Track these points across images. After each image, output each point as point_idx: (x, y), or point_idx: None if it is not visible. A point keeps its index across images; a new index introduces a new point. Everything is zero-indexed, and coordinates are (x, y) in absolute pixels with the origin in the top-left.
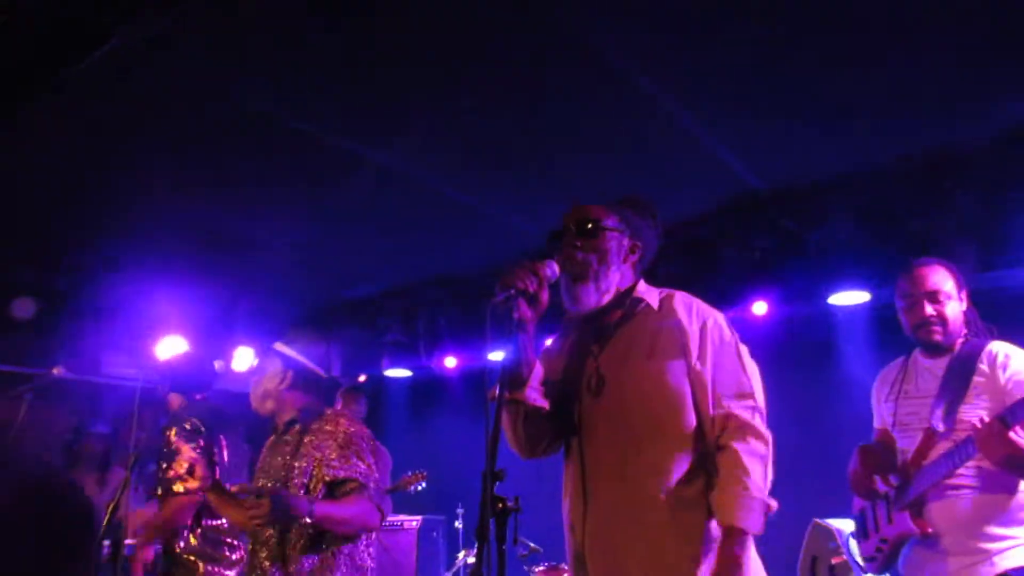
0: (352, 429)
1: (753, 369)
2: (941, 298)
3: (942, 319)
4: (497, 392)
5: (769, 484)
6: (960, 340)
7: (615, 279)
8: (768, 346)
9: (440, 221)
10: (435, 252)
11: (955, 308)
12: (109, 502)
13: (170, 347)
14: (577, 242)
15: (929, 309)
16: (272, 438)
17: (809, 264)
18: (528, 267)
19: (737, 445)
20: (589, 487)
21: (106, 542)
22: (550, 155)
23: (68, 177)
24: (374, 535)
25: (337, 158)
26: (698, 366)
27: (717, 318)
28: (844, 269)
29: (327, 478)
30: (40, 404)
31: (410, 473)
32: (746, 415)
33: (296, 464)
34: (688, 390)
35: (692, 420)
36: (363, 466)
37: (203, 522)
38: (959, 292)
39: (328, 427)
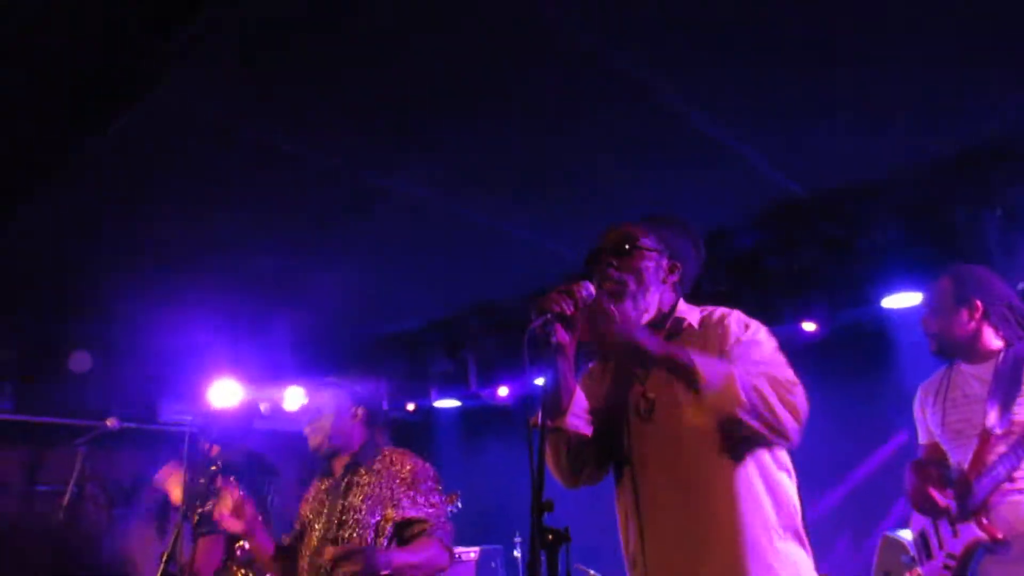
0: (417, 467)
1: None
2: (930, 313)
3: (932, 334)
4: (539, 420)
5: (772, 402)
6: (1000, 345)
7: (654, 300)
8: (821, 355)
9: (478, 249)
10: (476, 281)
11: (947, 322)
12: (163, 552)
13: (222, 391)
14: (613, 261)
15: (923, 324)
16: (325, 479)
17: (858, 269)
18: (563, 290)
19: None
20: (646, 515)
21: None
22: (584, 177)
23: (118, 228)
24: None
25: (373, 194)
26: (735, 348)
27: (758, 326)
28: (894, 271)
29: (396, 519)
30: (99, 455)
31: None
32: (783, 375)
33: (361, 505)
34: None
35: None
36: (431, 507)
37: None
38: (959, 306)
39: (394, 466)
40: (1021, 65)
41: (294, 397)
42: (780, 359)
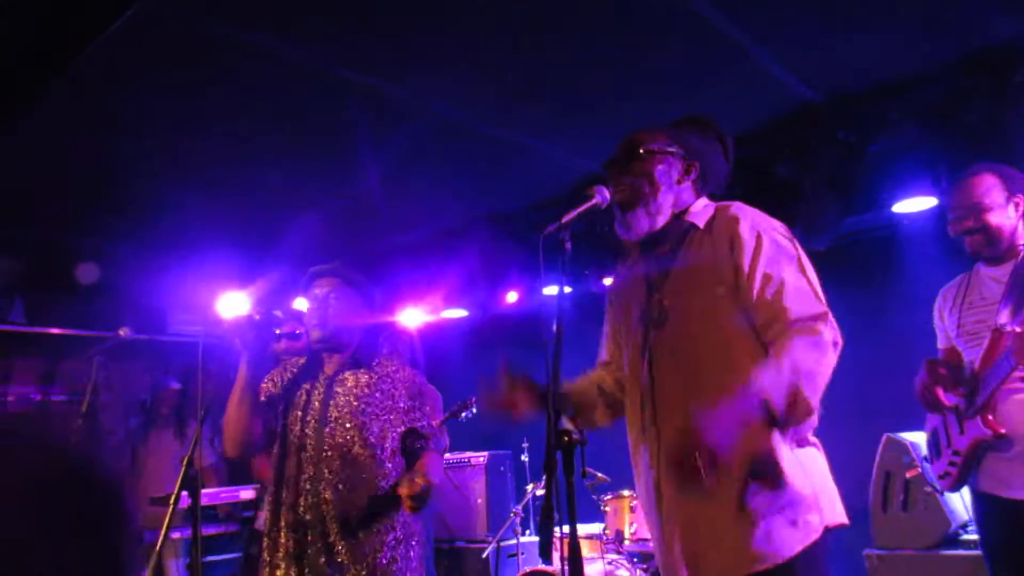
0: (415, 377)
1: (815, 277)
2: (983, 208)
3: (985, 230)
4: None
5: (818, 381)
6: (1021, 243)
7: (668, 202)
8: (832, 261)
9: (486, 160)
10: (484, 191)
11: (1001, 217)
12: (183, 456)
13: (231, 303)
14: (625, 168)
15: (971, 222)
16: (312, 370)
17: (871, 173)
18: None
19: (790, 340)
20: (660, 422)
21: (184, 493)
22: (595, 84)
23: (125, 141)
24: None
25: (374, 101)
26: (753, 275)
27: (773, 227)
28: (908, 175)
29: (401, 427)
30: (113, 365)
31: (457, 403)
32: (807, 314)
33: (360, 406)
34: (743, 313)
35: (753, 344)
36: (432, 421)
37: None
38: (1009, 199)
39: (395, 374)
40: None
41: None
42: (804, 288)
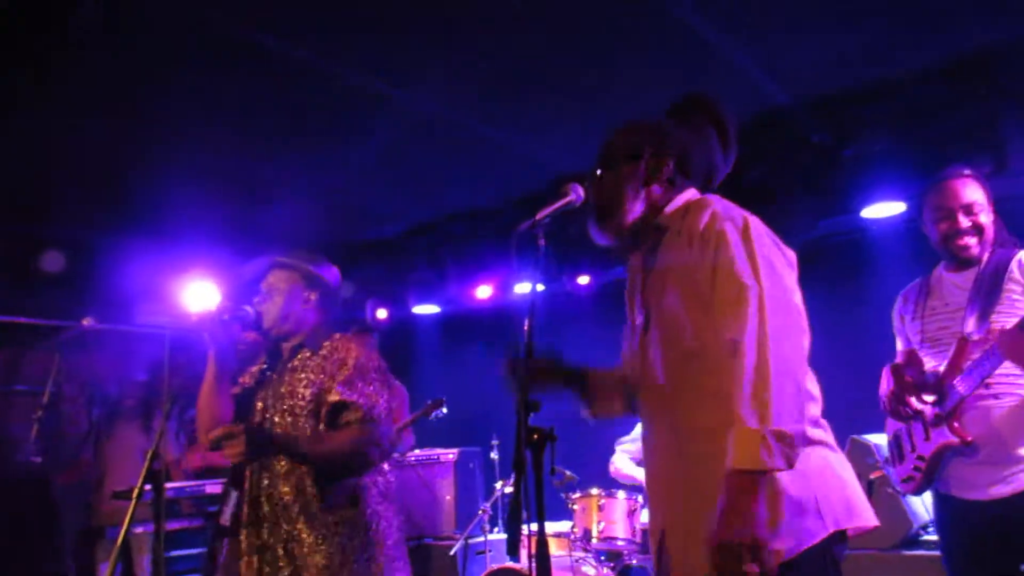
0: (363, 356)
1: (760, 256)
2: (976, 209)
3: (979, 230)
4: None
5: (782, 391)
6: (986, 252)
7: (635, 208)
8: (801, 264)
9: (462, 155)
10: (459, 187)
11: (988, 219)
12: (147, 449)
13: (199, 294)
14: (597, 174)
15: (965, 221)
16: (271, 359)
17: (844, 177)
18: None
19: (728, 360)
20: (648, 427)
21: (147, 487)
22: (568, 82)
23: (92, 129)
24: (388, 468)
25: (357, 96)
26: (710, 274)
27: (729, 221)
28: (880, 180)
29: (332, 399)
30: (77, 356)
31: (429, 401)
32: (743, 314)
33: (303, 390)
34: (701, 311)
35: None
36: (367, 396)
37: None
38: (990, 203)
39: (339, 353)
40: None
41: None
42: (744, 263)
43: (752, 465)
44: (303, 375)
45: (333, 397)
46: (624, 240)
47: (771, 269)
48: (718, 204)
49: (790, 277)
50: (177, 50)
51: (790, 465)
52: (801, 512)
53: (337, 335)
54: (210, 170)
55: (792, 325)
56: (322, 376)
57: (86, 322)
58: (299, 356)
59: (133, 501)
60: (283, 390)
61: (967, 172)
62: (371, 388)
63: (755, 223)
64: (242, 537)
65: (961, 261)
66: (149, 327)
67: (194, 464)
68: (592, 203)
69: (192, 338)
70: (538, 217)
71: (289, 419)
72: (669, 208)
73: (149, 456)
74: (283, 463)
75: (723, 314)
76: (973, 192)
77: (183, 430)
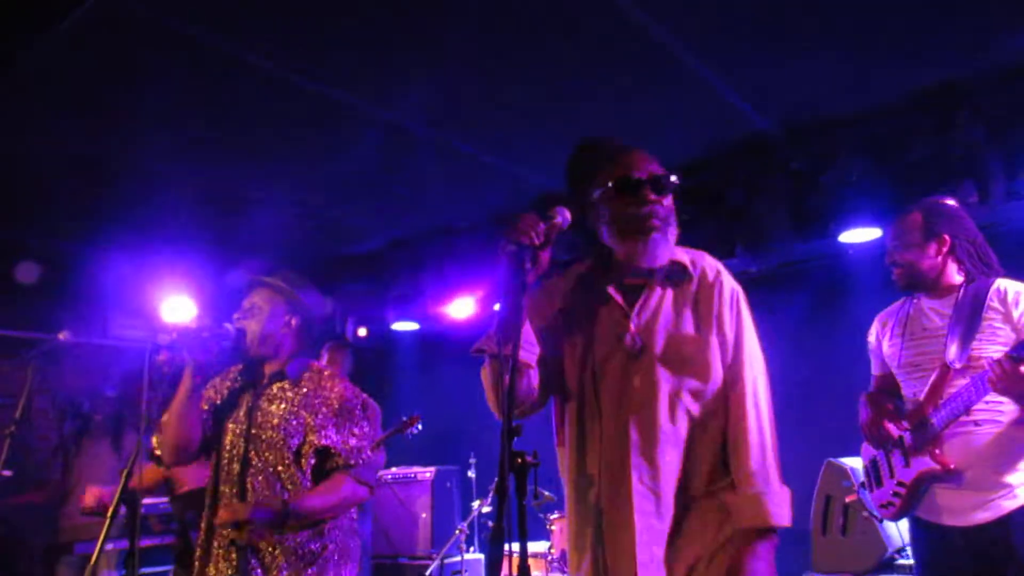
0: (347, 394)
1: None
2: (901, 247)
3: (903, 265)
4: (497, 348)
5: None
6: (961, 280)
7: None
8: (778, 288)
9: (442, 172)
10: (439, 204)
11: (917, 255)
12: (122, 469)
13: (176, 308)
14: (652, 196)
15: (891, 256)
16: (250, 378)
17: (819, 204)
18: (534, 218)
19: (743, 423)
20: (608, 440)
21: (122, 508)
22: (549, 102)
23: (70, 139)
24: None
25: (337, 113)
26: (728, 335)
27: (739, 289)
28: (854, 207)
29: (318, 444)
30: (50, 369)
31: (404, 418)
32: (751, 387)
33: (280, 423)
34: (720, 365)
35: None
36: (354, 440)
37: None
38: (928, 240)
39: (323, 389)
40: (982, 8)
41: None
42: (757, 349)
43: (780, 523)
44: (279, 406)
45: (319, 441)
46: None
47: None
48: (721, 265)
49: None
50: (158, 62)
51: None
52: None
53: (315, 364)
54: (190, 184)
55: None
56: (304, 413)
57: (62, 336)
58: (277, 385)
59: (108, 519)
60: (258, 420)
61: (915, 208)
62: (357, 429)
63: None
64: (212, 556)
65: (929, 288)
66: (125, 340)
67: (88, 503)
68: (652, 219)
69: (170, 353)
70: (523, 241)
71: (270, 456)
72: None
73: (124, 474)
74: (253, 489)
75: (744, 377)
76: (904, 230)
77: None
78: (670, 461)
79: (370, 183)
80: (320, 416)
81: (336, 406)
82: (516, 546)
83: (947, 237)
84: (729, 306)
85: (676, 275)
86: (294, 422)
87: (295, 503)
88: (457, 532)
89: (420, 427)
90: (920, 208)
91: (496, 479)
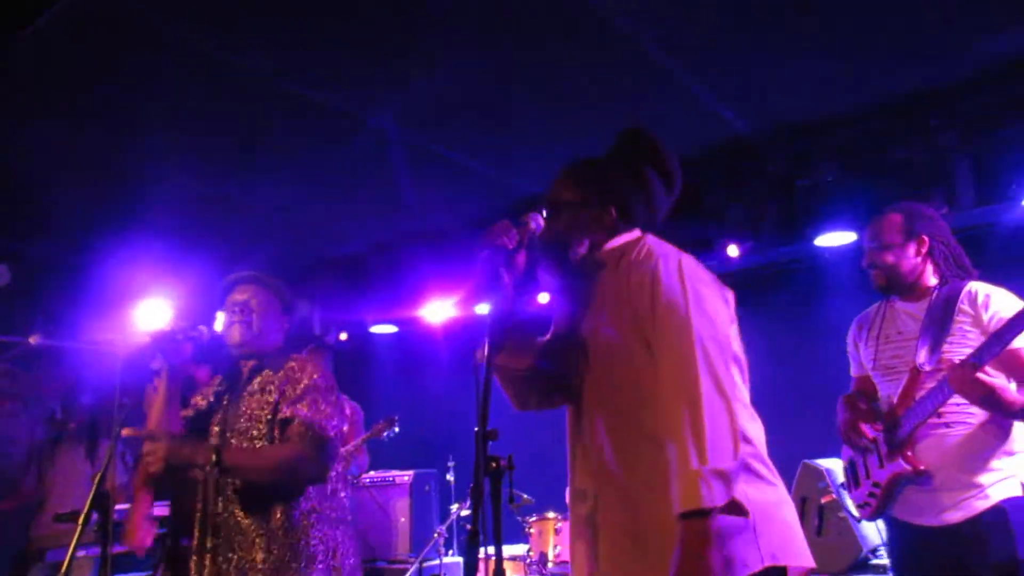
0: (317, 375)
1: (692, 292)
2: (881, 247)
3: (883, 266)
4: (485, 353)
5: (714, 432)
6: (936, 283)
7: (582, 247)
8: (755, 290)
9: (424, 177)
10: (420, 208)
11: (898, 255)
12: (95, 474)
13: (151, 312)
14: (548, 220)
15: (870, 258)
16: (229, 378)
17: (796, 207)
18: (508, 224)
19: (669, 403)
20: (577, 450)
21: (94, 515)
22: (530, 106)
23: (45, 142)
24: (342, 491)
25: (322, 117)
26: (645, 313)
27: (664, 259)
28: (831, 210)
29: (280, 416)
30: (21, 373)
31: (381, 421)
32: (677, 353)
33: (261, 413)
34: (639, 344)
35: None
36: (317, 413)
37: None
38: (909, 239)
39: (299, 372)
40: (955, 15)
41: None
42: (685, 311)
43: (695, 505)
44: (262, 397)
45: (283, 414)
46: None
47: (701, 305)
48: (652, 241)
49: (723, 313)
50: (134, 64)
51: (730, 501)
52: (735, 540)
53: (296, 356)
54: (170, 186)
55: (722, 362)
56: (277, 396)
57: (33, 339)
58: (259, 378)
59: (80, 525)
60: (241, 411)
61: (892, 209)
62: (322, 407)
63: (688, 260)
64: (203, 558)
65: (905, 290)
66: (99, 345)
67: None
68: (540, 247)
69: (142, 357)
70: (497, 244)
71: (245, 443)
72: (608, 245)
73: (97, 480)
74: (234, 489)
75: (661, 351)
76: (884, 230)
77: (129, 450)
78: (610, 450)
79: (351, 186)
80: (293, 392)
81: (304, 383)
82: (492, 549)
83: (926, 238)
84: (639, 276)
85: (602, 268)
86: (270, 400)
87: (227, 450)
88: (436, 536)
89: (397, 429)
90: (899, 209)
91: (473, 483)
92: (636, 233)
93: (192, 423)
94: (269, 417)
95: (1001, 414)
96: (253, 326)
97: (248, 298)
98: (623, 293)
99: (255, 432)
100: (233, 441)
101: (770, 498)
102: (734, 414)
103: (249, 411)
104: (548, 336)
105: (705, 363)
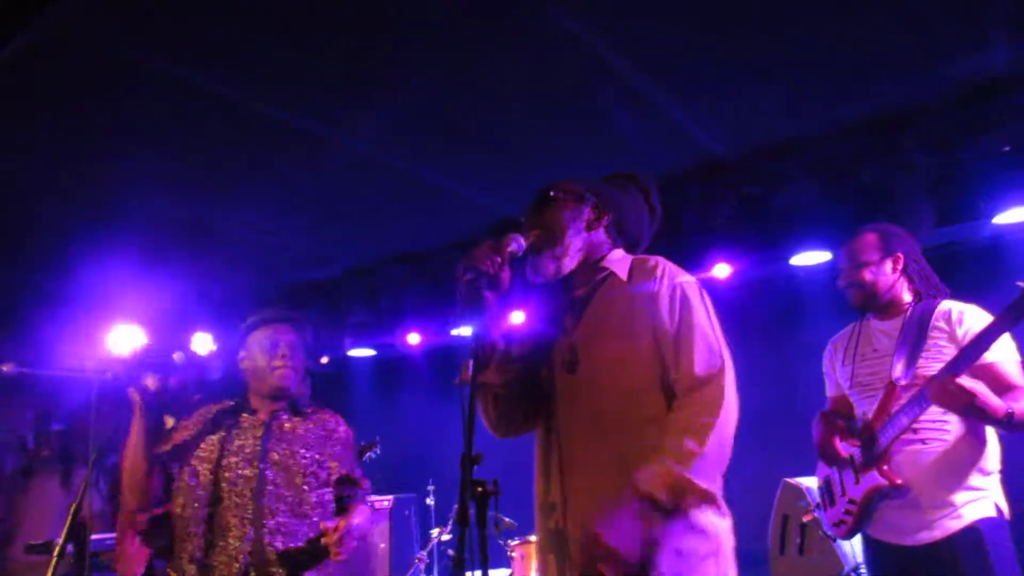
0: (343, 426)
1: (721, 333)
2: (858, 266)
3: (861, 285)
4: (469, 375)
5: (719, 448)
6: (910, 300)
7: (575, 245)
8: (732, 309)
9: (401, 199)
10: (397, 230)
11: (875, 274)
12: (71, 503)
13: (124, 336)
14: (534, 214)
15: (847, 277)
16: (240, 421)
17: (771, 226)
18: (490, 247)
19: (686, 409)
20: (567, 465)
21: (69, 545)
22: (507, 128)
23: (19, 167)
24: None
25: (297, 140)
26: (668, 329)
27: (688, 281)
28: (806, 230)
29: (337, 472)
30: None
31: (362, 443)
32: (708, 374)
33: (306, 454)
34: (658, 362)
35: (662, 397)
36: (359, 471)
37: None
38: (885, 257)
39: (327, 421)
40: (926, 37)
41: (203, 343)
42: (712, 344)
43: (686, 464)
44: (302, 440)
45: (339, 471)
46: (556, 277)
47: (725, 340)
48: (671, 266)
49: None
50: (111, 90)
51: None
52: (707, 560)
53: (310, 397)
54: (147, 211)
55: (735, 407)
56: (322, 443)
57: (5, 368)
58: (287, 422)
59: (55, 557)
60: (283, 453)
61: (867, 229)
62: (356, 459)
63: (700, 285)
64: None
65: (881, 309)
66: (77, 371)
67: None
68: (532, 239)
69: (117, 385)
70: (481, 268)
71: (298, 485)
72: (612, 258)
73: (72, 510)
74: (274, 522)
75: (687, 371)
76: (860, 250)
77: (103, 477)
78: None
79: (329, 209)
80: (334, 447)
81: (343, 438)
82: (478, 575)
83: (901, 255)
84: (668, 299)
85: (604, 284)
86: (320, 455)
87: (348, 519)
88: (416, 561)
89: (378, 451)
90: (873, 229)
91: (456, 507)
92: (623, 252)
93: (171, 456)
94: (312, 463)
95: (986, 422)
96: (299, 371)
97: (295, 340)
98: (646, 306)
99: (292, 473)
100: (269, 478)
101: (729, 528)
102: (730, 446)
103: (292, 451)
104: (532, 349)
105: (728, 405)
